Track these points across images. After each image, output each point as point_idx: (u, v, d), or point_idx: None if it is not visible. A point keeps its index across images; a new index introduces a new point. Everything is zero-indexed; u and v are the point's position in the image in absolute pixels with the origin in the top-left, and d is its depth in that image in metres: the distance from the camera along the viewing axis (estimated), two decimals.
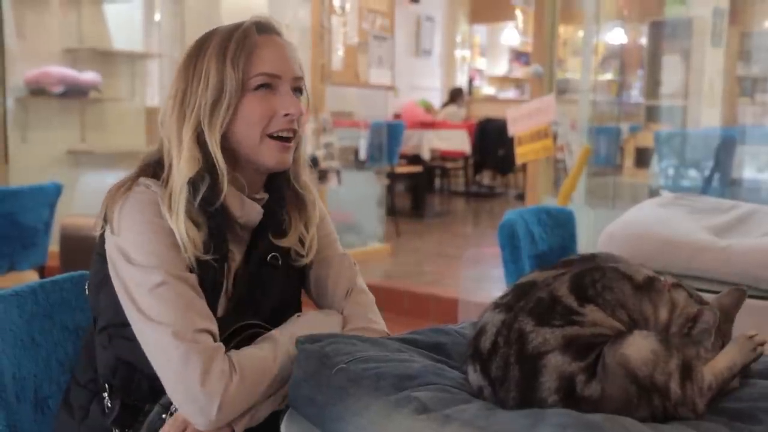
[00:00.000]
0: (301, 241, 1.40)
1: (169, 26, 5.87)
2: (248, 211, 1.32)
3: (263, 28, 1.33)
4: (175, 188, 1.26)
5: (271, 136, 1.30)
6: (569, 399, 0.98)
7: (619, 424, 0.92)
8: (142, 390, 1.27)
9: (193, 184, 1.26)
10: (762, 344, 1.09)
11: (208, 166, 1.27)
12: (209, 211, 1.27)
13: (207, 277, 1.26)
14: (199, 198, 1.25)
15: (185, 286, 1.22)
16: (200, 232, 1.25)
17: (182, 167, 1.27)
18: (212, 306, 1.27)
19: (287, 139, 1.32)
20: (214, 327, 1.23)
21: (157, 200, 1.26)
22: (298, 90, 1.34)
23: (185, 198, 1.25)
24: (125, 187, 1.28)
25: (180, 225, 1.23)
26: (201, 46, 1.31)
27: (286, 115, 1.30)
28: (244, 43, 1.28)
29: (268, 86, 1.30)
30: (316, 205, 1.43)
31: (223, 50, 1.28)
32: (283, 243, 1.37)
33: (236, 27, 1.31)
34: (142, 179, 1.29)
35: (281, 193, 1.38)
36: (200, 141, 1.28)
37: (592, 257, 1.15)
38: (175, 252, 1.23)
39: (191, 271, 1.25)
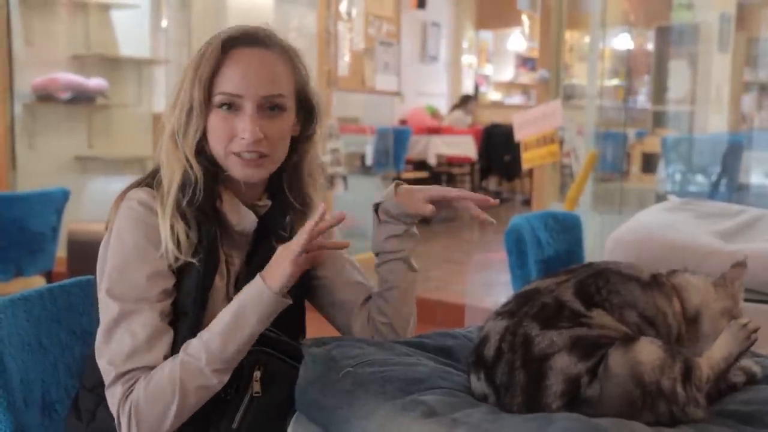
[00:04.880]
0: None
1: (176, 32, 5.88)
2: (243, 218, 1.33)
3: (239, 41, 1.29)
4: (164, 186, 1.28)
5: (236, 155, 1.30)
6: (573, 403, 0.98)
7: (626, 428, 0.92)
8: None
9: (182, 185, 1.27)
10: (755, 331, 1.09)
11: (187, 169, 1.29)
12: (202, 214, 1.28)
13: (194, 281, 1.27)
14: (186, 199, 1.27)
15: (141, 321, 1.23)
16: (191, 232, 1.26)
17: (163, 165, 1.30)
18: (213, 310, 1.27)
19: (252, 159, 1.29)
20: (155, 360, 1.23)
21: (147, 218, 1.26)
22: (273, 107, 1.29)
23: (173, 199, 1.26)
24: (122, 195, 1.31)
25: (166, 225, 1.25)
26: (197, 52, 1.31)
27: (243, 138, 1.28)
28: (210, 60, 1.27)
29: (230, 105, 1.28)
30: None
31: (197, 65, 1.28)
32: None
33: (215, 38, 1.30)
34: (134, 192, 1.30)
35: (285, 199, 1.38)
36: (177, 144, 1.30)
37: (591, 265, 1.15)
38: (153, 281, 1.25)
39: (175, 273, 1.26)
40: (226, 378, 1.22)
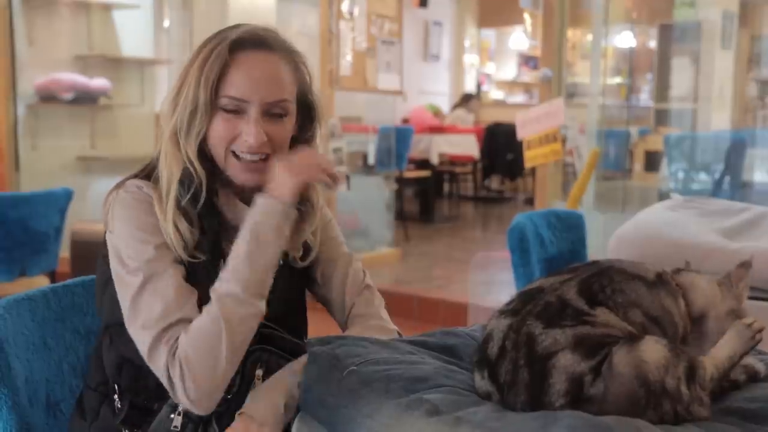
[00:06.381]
0: (304, 245, 1.40)
1: (178, 32, 5.89)
2: (240, 215, 1.32)
3: (246, 44, 1.29)
4: (163, 185, 1.29)
5: (236, 155, 1.30)
6: (576, 401, 0.98)
7: (630, 425, 0.92)
8: (149, 389, 1.28)
9: (181, 182, 1.28)
10: (760, 331, 1.09)
11: (188, 167, 1.29)
12: (200, 211, 1.28)
13: (198, 276, 1.27)
14: (187, 196, 1.27)
15: (165, 281, 1.23)
16: (193, 228, 1.27)
17: (162, 164, 1.30)
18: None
19: (253, 161, 1.30)
20: (190, 313, 1.22)
21: (147, 199, 1.28)
22: (277, 111, 1.31)
23: (174, 196, 1.27)
24: (115, 187, 1.32)
25: (168, 222, 1.25)
26: (199, 52, 1.31)
27: (247, 141, 1.28)
28: (217, 62, 1.27)
29: (235, 109, 1.28)
30: (318, 209, 1.42)
31: (203, 65, 1.28)
32: (285, 248, 1.37)
33: (221, 39, 1.29)
34: (130, 181, 1.32)
35: None
36: (179, 144, 1.30)
37: (596, 263, 1.15)
38: (165, 249, 1.25)
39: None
40: (263, 304, 1.24)
